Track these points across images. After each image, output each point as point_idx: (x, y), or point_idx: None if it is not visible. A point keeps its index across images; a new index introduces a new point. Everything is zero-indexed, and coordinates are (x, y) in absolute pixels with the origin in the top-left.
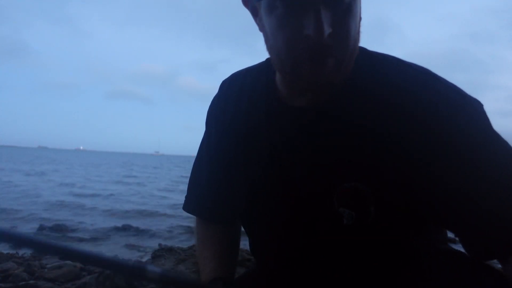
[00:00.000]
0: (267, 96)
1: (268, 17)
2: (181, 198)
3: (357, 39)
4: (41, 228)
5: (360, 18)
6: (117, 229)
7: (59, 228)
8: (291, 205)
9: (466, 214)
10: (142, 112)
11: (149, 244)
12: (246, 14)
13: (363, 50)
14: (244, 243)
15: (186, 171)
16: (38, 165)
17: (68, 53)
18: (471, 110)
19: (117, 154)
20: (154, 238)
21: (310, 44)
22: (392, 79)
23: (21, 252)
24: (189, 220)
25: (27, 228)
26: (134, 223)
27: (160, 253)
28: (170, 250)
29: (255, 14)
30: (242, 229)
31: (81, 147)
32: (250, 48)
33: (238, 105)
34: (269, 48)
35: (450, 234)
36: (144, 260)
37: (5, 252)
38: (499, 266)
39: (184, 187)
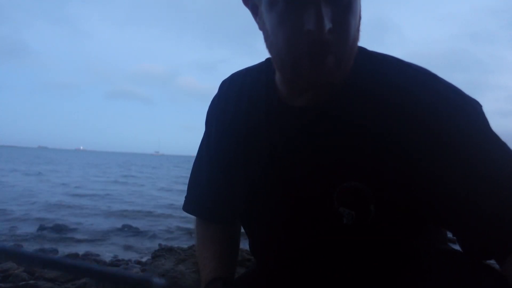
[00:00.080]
0: (267, 96)
1: (268, 13)
2: (179, 199)
3: (356, 37)
4: (41, 228)
5: (360, 17)
6: (116, 229)
7: (59, 229)
8: (291, 205)
9: (464, 214)
10: (142, 112)
11: (148, 244)
12: (246, 14)
13: (363, 50)
14: (244, 243)
15: (186, 171)
16: (37, 165)
17: (68, 53)
18: (470, 110)
19: (117, 154)
20: (154, 238)
21: (310, 40)
22: (392, 79)
23: None
24: (186, 220)
25: (27, 229)
26: (134, 223)
27: (160, 253)
28: (170, 250)
29: (255, 12)
30: (242, 229)
31: (81, 147)
32: (250, 48)
33: (238, 105)
34: (269, 46)
35: (450, 234)
36: (144, 260)
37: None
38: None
39: (183, 187)
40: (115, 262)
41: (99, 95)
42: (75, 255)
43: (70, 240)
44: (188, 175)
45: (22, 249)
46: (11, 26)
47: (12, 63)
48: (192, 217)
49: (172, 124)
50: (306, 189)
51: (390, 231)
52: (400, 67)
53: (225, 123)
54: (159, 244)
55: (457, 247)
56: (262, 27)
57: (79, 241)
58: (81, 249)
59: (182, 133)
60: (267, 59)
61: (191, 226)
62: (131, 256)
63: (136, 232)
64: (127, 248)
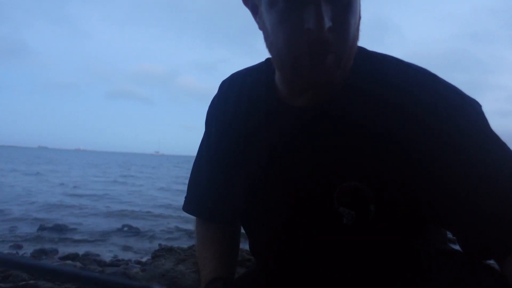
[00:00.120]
0: (267, 96)
1: (268, 13)
2: (178, 199)
3: (356, 36)
4: (41, 228)
5: (360, 17)
6: (116, 229)
7: (59, 229)
8: (291, 205)
9: (464, 214)
10: (142, 112)
11: (148, 244)
12: (246, 14)
13: (363, 50)
14: (244, 243)
15: (185, 171)
16: (37, 165)
17: (68, 53)
18: (470, 110)
19: (117, 154)
20: (154, 238)
21: (310, 39)
22: (392, 79)
23: (21, 252)
24: (184, 220)
25: (27, 229)
26: (134, 223)
27: (160, 253)
28: (170, 250)
29: (255, 12)
30: (242, 229)
31: (81, 147)
32: (250, 48)
33: (238, 105)
34: (269, 45)
35: (450, 234)
36: (144, 260)
37: (5, 251)
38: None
39: (182, 187)
40: (115, 262)
41: (99, 95)
42: (75, 255)
43: (70, 240)
44: (188, 175)
45: (22, 259)
46: (11, 26)
47: (12, 63)
48: (191, 217)
49: (172, 124)
50: (306, 189)
51: (390, 231)
52: (400, 67)
53: (225, 123)
54: (159, 244)
55: (457, 247)
56: (262, 26)
57: (79, 241)
58: (81, 249)
59: (182, 133)
60: (267, 59)
61: (190, 226)
62: (131, 256)
63: (136, 232)
64: (127, 248)
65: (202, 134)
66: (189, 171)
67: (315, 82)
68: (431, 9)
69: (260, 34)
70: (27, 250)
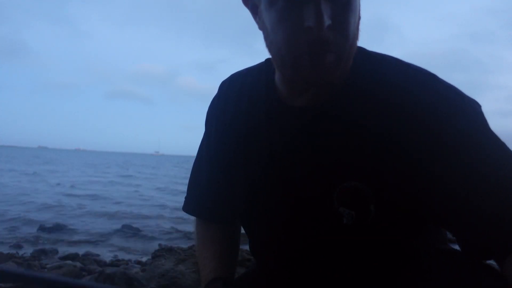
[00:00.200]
0: (267, 96)
1: (268, 12)
2: (178, 199)
3: (356, 35)
4: (41, 228)
5: (360, 17)
6: (116, 229)
7: (59, 229)
8: (291, 205)
9: (464, 214)
10: (142, 112)
11: (148, 244)
12: (246, 14)
13: (362, 50)
14: (244, 243)
15: (185, 171)
16: (37, 165)
17: (68, 53)
18: (470, 110)
19: (117, 154)
20: (154, 238)
21: (310, 38)
22: (391, 79)
23: (21, 252)
24: (182, 221)
25: (27, 229)
26: (134, 223)
27: (160, 253)
28: (170, 250)
29: (255, 12)
30: (242, 229)
31: (81, 147)
32: (249, 48)
33: (238, 105)
34: (269, 45)
35: (450, 234)
36: (144, 260)
37: (5, 252)
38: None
39: (182, 188)
40: (115, 262)
41: (99, 95)
42: (75, 255)
43: (70, 241)
44: (187, 175)
45: (23, 271)
46: (11, 26)
47: (12, 63)
48: (190, 218)
49: (172, 124)
50: (306, 189)
51: (390, 231)
52: (400, 67)
53: (225, 123)
54: (159, 244)
55: (457, 247)
56: (262, 26)
57: (79, 241)
58: (81, 250)
59: (182, 133)
60: (267, 60)
61: (185, 227)
62: (131, 256)
63: (136, 233)
64: (127, 248)
65: (202, 134)
66: (188, 171)
67: (315, 81)
68: (431, 9)
69: (260, 34)
70: (27, 250)
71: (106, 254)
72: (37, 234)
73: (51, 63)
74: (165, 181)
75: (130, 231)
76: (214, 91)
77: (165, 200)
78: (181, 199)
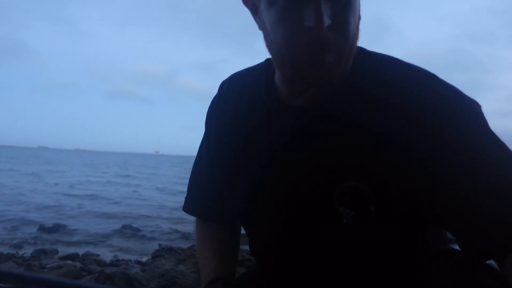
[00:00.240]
0: (267, 96)
1: (268, 11)
2: (176, 199)
3: (356, 35)
4: (41, 228)
5: (360, 17)
6: (116, 229)
7: (59, 229)
8: (291, 205)
9: (463, 214)
10: (142, 112)
11: (148, 244)
12: (246, 14)
13: (362, 50)
14: (244, 243)
15: (184, 171)
16: (36, 165)
17: (68, 53)
18: (469, 110)
19: (117, 154)
20: (154, 238)
21: (310, 38)
22: (391, 79)
23: (21, 252)
24: (179, 221)
25: (27, 230)
26: (133, 223)
27: (160, 253)
28: (170, 250)
29: (255, 12)
30: (242, 229)
31: (81, 147)
32: (249, 48)
33: (238, 106)
34: (269, 44)
35: (450, 234)
36: (144, 260)
37: (5, 252)
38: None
39: (181, 188)
40: (115, 262)
41: (99, 95)
42: (75, 255)
43: (70, 241)
44: (186, 175)
45: (25, 272)
46: (11, 26)
47: (12, 63)
48: (189, 218)
49: (172, 124)
50: (306, 189)
51: (390, 231)
52: (400, 67)
53: (225, 124)
54: (159, 244)
55: (457, 247)
56: (262, 26)
57: (79, 241)
58: (81, 250)
59: (182, 133)
60: (267, 60)
61: (185, 228)
62: (131, 256)
63: (136, 233)
64: (127, 248)
65: (202, 134)
66: (188, 171)
67: (315, 81)
68: (431, 9)
69: (260, 35)
70: (27, 250)
71: (106, 254)
72: (37, 234)
73: (51, 63)
74: (165, 181)
75: (130, 231)
76: (214, 91)
77: (164, 200)
78: (180, 199)
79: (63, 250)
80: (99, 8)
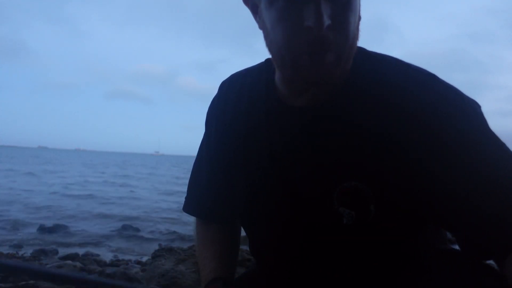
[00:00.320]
0: (267, 96)
1: (268, 11)
2: (175, 199)
3: (356, 35)
4: (41, 229)
5: (360, 18)
6: (116, 229)
7: (59, 229)
8: (291, 205)
9: (463, 214)
10: (141, 112)
11: (148, 244)
12: (246, 14)
13: (362, 50)
14: (244, 243)
15: (184, 171)
16: (36, 165)
17: (68, 53)
18: (469, 110)
19: (117, 154)
20: (154, 238)
21: (310, 37)
22: (391, 79)
23: (21, 252)
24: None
25: (27, 230)
26: (133, 223)
27: (160, 253)
28: (170, 250)
29: (255, 11)
30: (242, 229)
31: (81, 147)
32: (249, 48)
33: (237, 106)
34: (269, 44)
35: (450, 234)
36: (144, 260)
37: (5, 252)
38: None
39: (181, 188)
40: (115, 262)
41: (99, 95)
42: (75, 255)
43: (70, 241)
44: (186, 175)
45: (26, 264)
46: (11, 26)
47: (12, 63)
48: (188, 219)
49: (172, 124)
50: (306, 189)
51: (390, 231)
52: (400, 67)
53: (225, 124)
54: (159, 244)
55: (457, 247)
56: (262, 25)
57: (79, 241)
58: (81, 250)
59: (182, 133)
60: (267, 60)
61: (185, 228)
62: (131, 256)
63: (136, 233)
64: (127, 248)
65: (202, 134)
66: (186, 171)
67: (314, 81)
68: (430, 9)
69: (260, 34)
70: (27, 250)
71: (106, 254)
72: (36, 234)
73: (51, 63)
74: (164, 181)
75: (129, 232)
76: (214, 91)
77: (164, 201)
78: (178, 199)
79: (63, 250)
80: (99, 8)
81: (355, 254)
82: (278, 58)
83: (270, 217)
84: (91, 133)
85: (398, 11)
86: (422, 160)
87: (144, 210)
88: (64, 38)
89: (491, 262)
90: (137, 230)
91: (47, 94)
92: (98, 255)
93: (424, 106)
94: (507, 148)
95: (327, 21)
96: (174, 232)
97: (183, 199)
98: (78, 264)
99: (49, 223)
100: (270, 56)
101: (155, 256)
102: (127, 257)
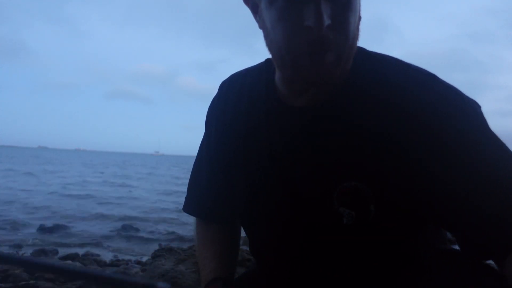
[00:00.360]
0: (267, 96)
1: (268, 10)
2: (174, 199)
3: (356, 35)
4: (41, 228)
5: (360, 17)
6: (116, 229)
7: (59, 229)
8: (291, 205)
9: (463, 214)
10: (141, 112)
11: (148, 244)
12: (246, 14)
13: (362, 50)
14: (244, 243)
15: (184, 171)
16: (36, 165)
17: (68, 53)
18: (469, 110)
19: (117, 154)
20: (154, 238)
21: (310, 37)
22: (391, 79)
23: (21, 252)
24: (176, 222)
25: (27, 230)
26: (133, 224)
27: (160, 253)
28: (170, 250)
29: (255, 11)
30: (242, 229)
31: (81, 147)
32: (249, 48)
33: (237, 106)
34: (269, 43)
35: (450, 234)
36: (144, 260)
37: (5, 252)
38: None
39: (180, 189)
40: (115, 262)
41: (99, 95)
42: (75, 255)
43: (70, 241)
44: (185, 175)
45: (24, 256)
46: (11, 26)
47: (12, 63)
48: (188, 219)
49: (172, 124)
50: (306, 189)
51: (390, 231)
52: (400, 67)
53: (225, 124)
54: (159, 244)
55: (457, 247)
56: (262, 25)
57: (79, 241)
58: (81, 250)
59: (182, 133)
60: (267, 60)
61: (184, 229)
62: (131, 256)
63: (136, 233)
64: (127, 248)
65: (202, 134)
66: (186, 171)
67: (314, 81)
68: (430, 9)
69: (260, 34)
70: (27, 250)
71: (106, 254)
72: (36, 234)
73: (51, 63)
74: (164, 181)
75: (129, 232)
76: (214, 91)
77: (163, 201)
78: (178, 199)
79: (63, 250)
80: (99, 8)
81: (355, 254)
82: (278, 58)
83: (270, 217)
84: (91, 133)
85: (398, 11)
86: (422, 160)
87: (144, 210)
88: (64, 38)
89: (491, 262)
90: (137, 230)
91: (47, 94)
92: (98, 255)
93: (424, 106)
94: (507, 148)
95: (327, 21)
96: (174, 232)
97: (182, 199)
98: (78, 264)
99: (49, 223)
100: (270, 56)
101: (155, 256)
102: (127, 257)
